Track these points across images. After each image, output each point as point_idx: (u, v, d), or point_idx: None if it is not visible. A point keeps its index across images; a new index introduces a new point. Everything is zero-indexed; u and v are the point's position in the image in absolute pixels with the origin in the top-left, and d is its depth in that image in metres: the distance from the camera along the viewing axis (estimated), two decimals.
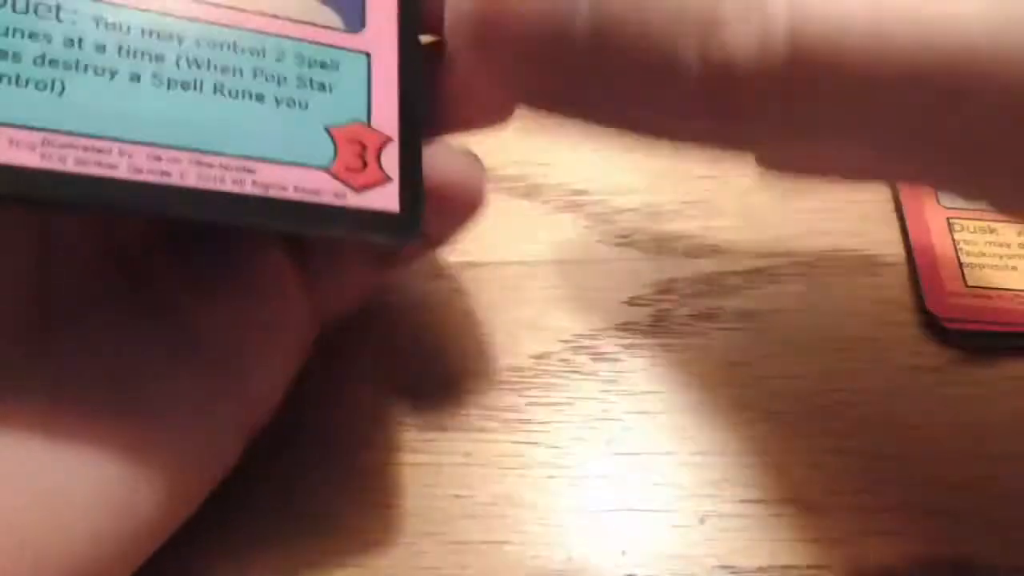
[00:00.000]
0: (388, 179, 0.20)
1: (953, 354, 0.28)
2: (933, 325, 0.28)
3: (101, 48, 0.19)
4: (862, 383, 0.27)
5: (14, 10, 0.18)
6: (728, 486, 0.24)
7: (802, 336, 0.28)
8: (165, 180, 0.18)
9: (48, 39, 0.18)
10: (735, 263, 0.29)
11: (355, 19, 0.21)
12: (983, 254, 0.28)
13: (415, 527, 0.23)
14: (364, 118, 0.20)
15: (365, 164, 0.20)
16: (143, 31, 0.19)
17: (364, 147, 0.20)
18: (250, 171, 0.18)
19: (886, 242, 0.30)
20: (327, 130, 0.19)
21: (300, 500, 0.24)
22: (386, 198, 0.20)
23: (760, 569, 0.23)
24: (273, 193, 0.18)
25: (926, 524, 0.24)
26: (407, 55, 0.21)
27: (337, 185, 0.19)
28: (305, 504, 0.24)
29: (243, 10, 0.20)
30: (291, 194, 0.19)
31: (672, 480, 0.24)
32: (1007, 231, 0.30)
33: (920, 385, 0.27)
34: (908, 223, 0.31)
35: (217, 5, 0.20)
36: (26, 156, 0.17)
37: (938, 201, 0.31)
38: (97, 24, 0.19)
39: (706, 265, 0.29)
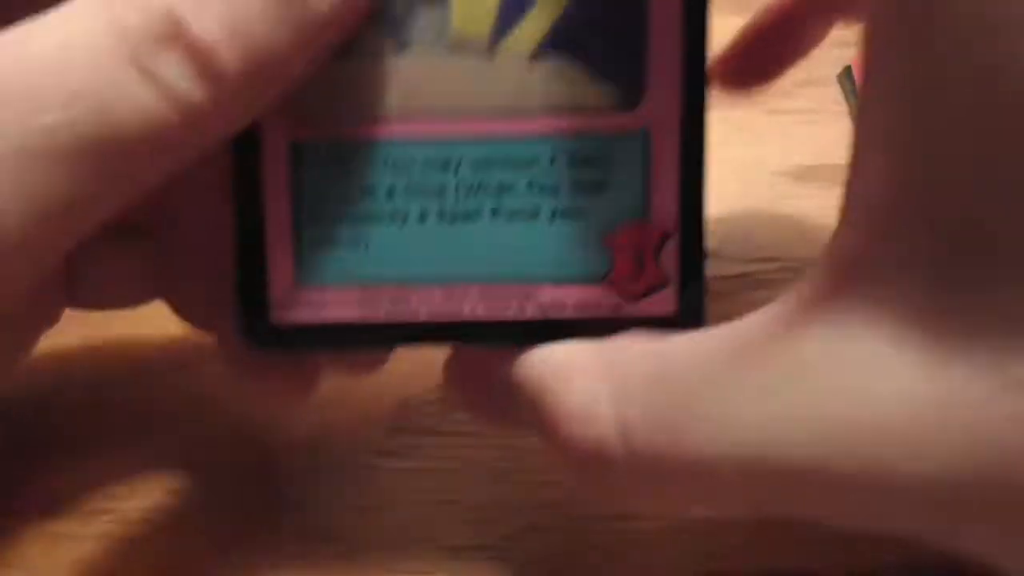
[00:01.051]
0: (666, 280, 0.20)
1: None
2: None
3: (391, 192, 0.20)
4: None
5: (322, 169, 0.20)
6: None
7: None
8: (458, 316, 0.20)
9: (349, 195, 0.20)
10: (724, 268, 0.28)
11: (633, 89, 0.20)
12: None
13: (405, 532, 0.24)
14: (641, 213, 0.20)
15: (643, 267, 0.20)
16: (424, 163, 0.20)
17: (641, 248, 0.20)
18: (530, 295, 0.20)
19: None
20: (602, 238, 0.20)
21: (288, 503, 0.24)
22: (664, 301, 0.20)
23: (748, 573, 0.23)
24: (552, 314, 0.20)
25: None
26: (690, 123, 0.20)
27: (613, 297, 0.20)
28: (293, 509, 0.24)
29: (513, 111, 0.20)
30: (569, 313, 0.20)
31: None
32: None
33: None
34: None
35: (488, 112, 0.20)
36: (349, 312, 0.20)
37: None
38: (385, 166, 0.20)
39: None
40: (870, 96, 0.16)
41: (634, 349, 0.19)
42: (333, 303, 0.20)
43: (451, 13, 0.19)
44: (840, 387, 0.16)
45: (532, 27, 0.20)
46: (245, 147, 0.20)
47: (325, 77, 0.19)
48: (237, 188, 0.20)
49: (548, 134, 0.20)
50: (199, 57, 0.17)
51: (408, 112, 0.20)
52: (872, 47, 0.16)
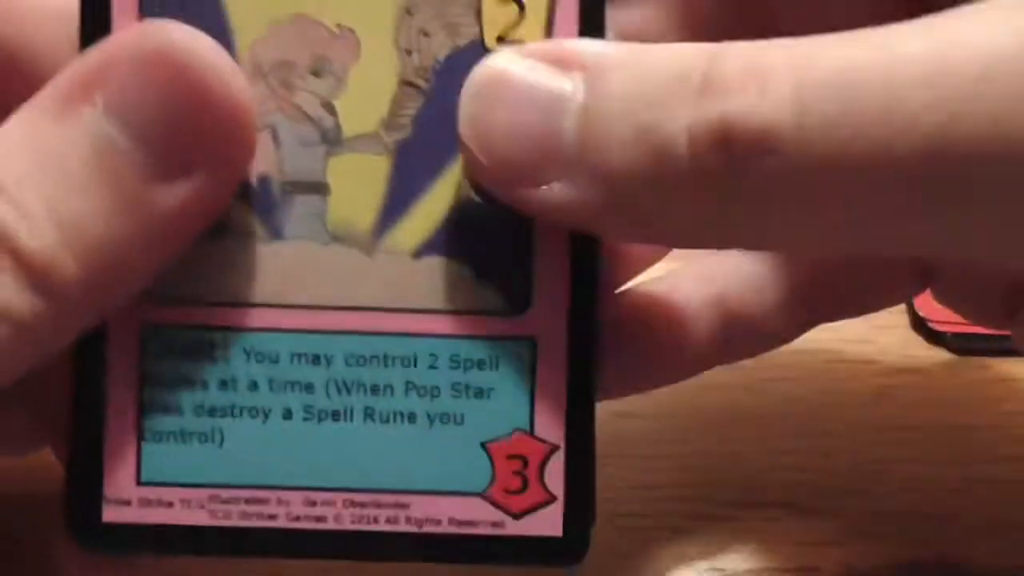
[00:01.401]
0: (551, 498, 0.18)
1: (943, 356, 0.28)
2: (923, 328, 0.28)
3: (253, 386, 0.19)
4: (852, 385, 0.27)
5: (176, 356, 0.18)
6: (720, 489, 0.25)
7: None
8: (321, 526, 0.19)
9: (205, 385, 0.18)
10: None
11: (520, 295, 0.18)
12: None
13: None
14: (526, 424, 0.19)
15: (526, 482, 0.19)
16: (292, 357, 0.18)
17: (525, 461, 0.19)
18: (403, 506, 0.19)
19: None
20: (484, 447, 0.19)
21: None
22: (548, 521, 0.18)
23: (749, 571, 0.23)
24: (427, 529, 0.19)
25: (915, 527, 0.24)
26: (579, 332, 0.18)
27: (494, 512, 0.18)
28: None
29: (392, 309, 0.18)
30: (445, 528, 0.19)
31: (663, 482, 0.25)
32: None
33: (910, 387, 0.27)
34: None
35: (365, 308, 0.18)
36: (197, 515, 0.19)
37: None
38: (248, 357, 0.18)
39: None
40: None
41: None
42: (178, 504, 0.18)
43: (331, 203, 0.18)
44: None
45: (416, 224, 0.18)
46: None
47: (186, 256, 0.18)
48: (76, 367, 0.18)
49: (429, 334, 0.18)
50: (32, 271, 0.16)
51: (278, 301, 0.18)
52: None
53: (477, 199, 0.18)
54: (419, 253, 0.18)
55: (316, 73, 0.18)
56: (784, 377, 0.27)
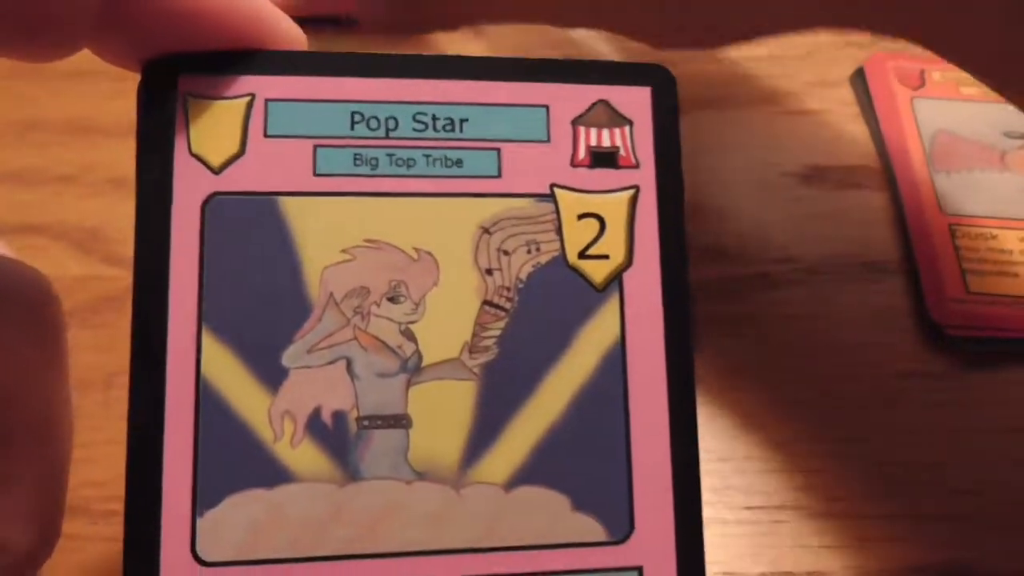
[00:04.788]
0: None
1: (954, 360, 0.28)
2: (934, 331, 0.28)
3: None
4: (863, 389, 0.27)
5: None
6: (730, 492, 0.24)
7: (803, 342, 0.27)
8: None
9: None
10: (737, 269, 0.28)
11: (621, 521, 0.17)
12: (984, 260, 0.27)
13: None
14: None
15: None
16: None
17: None
18: None
19: (888, 248, 0.29)
20: None
21: None
22: None
23: (762, 575, 0.23)
24: None
25: (927, 530, 0.24)
26: (689, 557, 0.17)
27: None
28: None
29: (484, 549, 0.17)
30: None
31: None
32: (1008, 237, 0.30)
33: (921, 391, 0.27)
34: (910, 229, 0.30)
35: (454, 551, 0.17)
36: None
37: (940, 208, 0.30)
38: None
39: (708, 271, 0.28)
40: None
41: None
42: None
43: (413, 436, 0.17)
44: None
45: (507, 453, 0.17)
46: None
47: (245, 510, 0.16)
48: None
49: (527, 574, 0.17)
50: None
51: (357, 551, 0.16)
52: None
53: (570, 419, 0.17)
54: (511, 484, 0.17)
55: (393, 299, 0.17)
56: (794, 381, 0.27)
